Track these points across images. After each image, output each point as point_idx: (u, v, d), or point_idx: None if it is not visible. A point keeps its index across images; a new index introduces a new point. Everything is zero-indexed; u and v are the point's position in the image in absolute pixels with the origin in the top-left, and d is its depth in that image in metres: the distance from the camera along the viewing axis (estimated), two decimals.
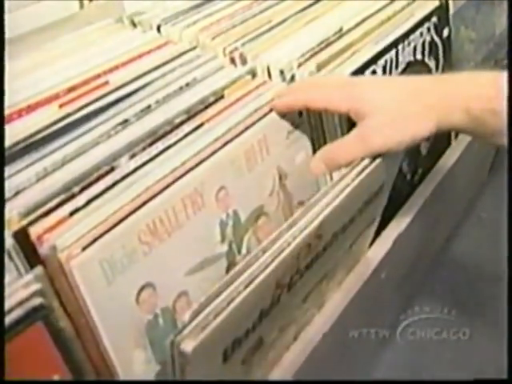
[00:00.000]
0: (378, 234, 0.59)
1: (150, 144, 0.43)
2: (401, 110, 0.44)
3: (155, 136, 0.44)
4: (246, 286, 0.35)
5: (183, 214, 0.41)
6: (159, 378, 0.41)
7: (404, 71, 0.59)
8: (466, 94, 0.43)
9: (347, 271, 0.55)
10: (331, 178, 0.53)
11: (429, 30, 0.61)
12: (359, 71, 0.53)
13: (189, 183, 0.42)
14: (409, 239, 0.63)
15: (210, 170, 0.43)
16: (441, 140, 0.72)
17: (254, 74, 0.52)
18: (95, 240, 0.36)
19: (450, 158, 0.72)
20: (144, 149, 0.43)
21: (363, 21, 0.60)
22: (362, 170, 0.44)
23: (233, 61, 0.54)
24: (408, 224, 0.62)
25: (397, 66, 0.58)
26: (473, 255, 0.86)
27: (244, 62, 0.53)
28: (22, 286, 0.32)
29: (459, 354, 0.69)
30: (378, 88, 0.46)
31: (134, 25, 0.58)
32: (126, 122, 0.45)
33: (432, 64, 0.64)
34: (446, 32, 0.65)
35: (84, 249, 0.35)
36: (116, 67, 0.51)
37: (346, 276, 0.55)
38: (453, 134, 0.74)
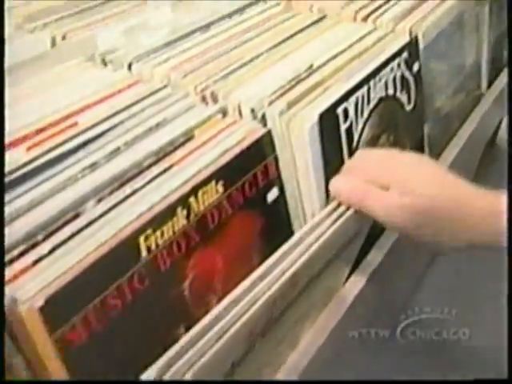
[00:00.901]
0: (353, 269, 0.59)
1: (118, 188, 0.43)
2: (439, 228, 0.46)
3: (122, 179, 0.43)
4: (218, 340, 0.34)
5: None
6: None
7: (376, 107, 0.59)
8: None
9: (321, 309, 0.54)
10: None
11: (399, 65, 0.62)
12: (331, 109, 0.53)
13: None
14: (385, 273, 0.63)
15: None
16: None
17: (224, 113, 0.52)
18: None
19: None
20: (112, 192, 0.42)
21: (334, 57, 0.60)
22: (339, 217, 0.43)
23: (204, 99, 0.53)
24: (384, 257, 0.62)
25: (368, 102, 0.58)
26: (468, 264, 0.85)
27: (215, 100, 0.53)
28: None
29: (459, 354, 0.68)
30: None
31: (104, 63, 0.58)
32: (94, 164, 0.44)
33: (404, 98, 0.65)
34: (416, 66, 0.65)
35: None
36: (86, 107, 0.50)
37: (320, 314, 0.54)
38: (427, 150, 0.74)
